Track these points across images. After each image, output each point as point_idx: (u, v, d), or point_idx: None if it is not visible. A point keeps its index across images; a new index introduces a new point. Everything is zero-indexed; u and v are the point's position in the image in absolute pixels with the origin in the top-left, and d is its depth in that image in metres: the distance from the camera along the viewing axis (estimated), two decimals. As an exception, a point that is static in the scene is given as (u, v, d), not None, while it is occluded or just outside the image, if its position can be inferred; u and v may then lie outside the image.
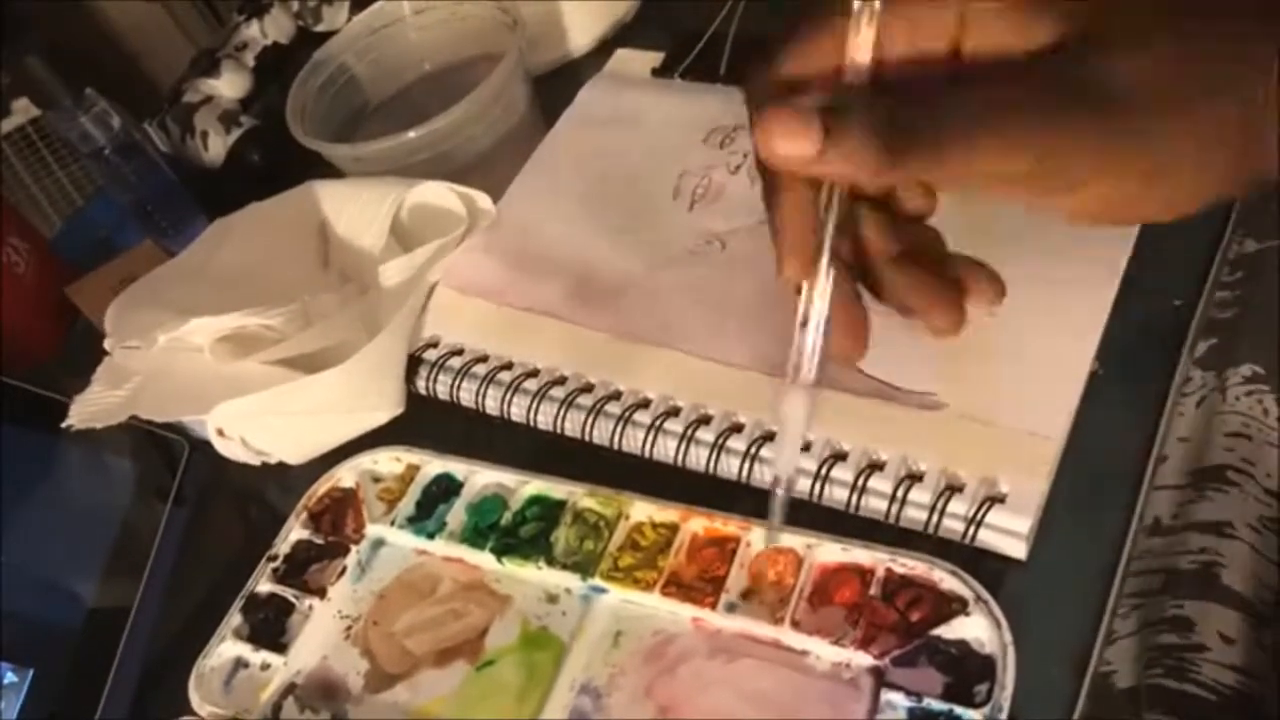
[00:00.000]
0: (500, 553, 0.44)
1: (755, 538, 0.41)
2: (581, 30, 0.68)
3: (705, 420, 0.44)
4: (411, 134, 0.57)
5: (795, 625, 0.38)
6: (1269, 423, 0.39)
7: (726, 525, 0.41)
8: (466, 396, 0.50)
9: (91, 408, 0.50)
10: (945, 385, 0.42)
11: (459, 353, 0.51)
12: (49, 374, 0.57)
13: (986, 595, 0.36)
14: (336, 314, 0.52)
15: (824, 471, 0.41)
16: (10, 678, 0.45)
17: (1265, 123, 0.27)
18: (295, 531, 0.47)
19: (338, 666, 0.43)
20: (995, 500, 0.38)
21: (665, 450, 0.45)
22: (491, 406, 0.49)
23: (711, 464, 0.44)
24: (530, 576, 0.43)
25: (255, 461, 0.52)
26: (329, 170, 0.62)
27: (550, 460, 0.46)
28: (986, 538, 0.39)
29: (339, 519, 0.48)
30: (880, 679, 0.36)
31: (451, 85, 0.62)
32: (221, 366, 0.50)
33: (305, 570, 0.46)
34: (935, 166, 0.29)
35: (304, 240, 0.58)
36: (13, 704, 0.44)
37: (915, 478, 0.40)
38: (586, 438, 0.47)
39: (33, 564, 0.48)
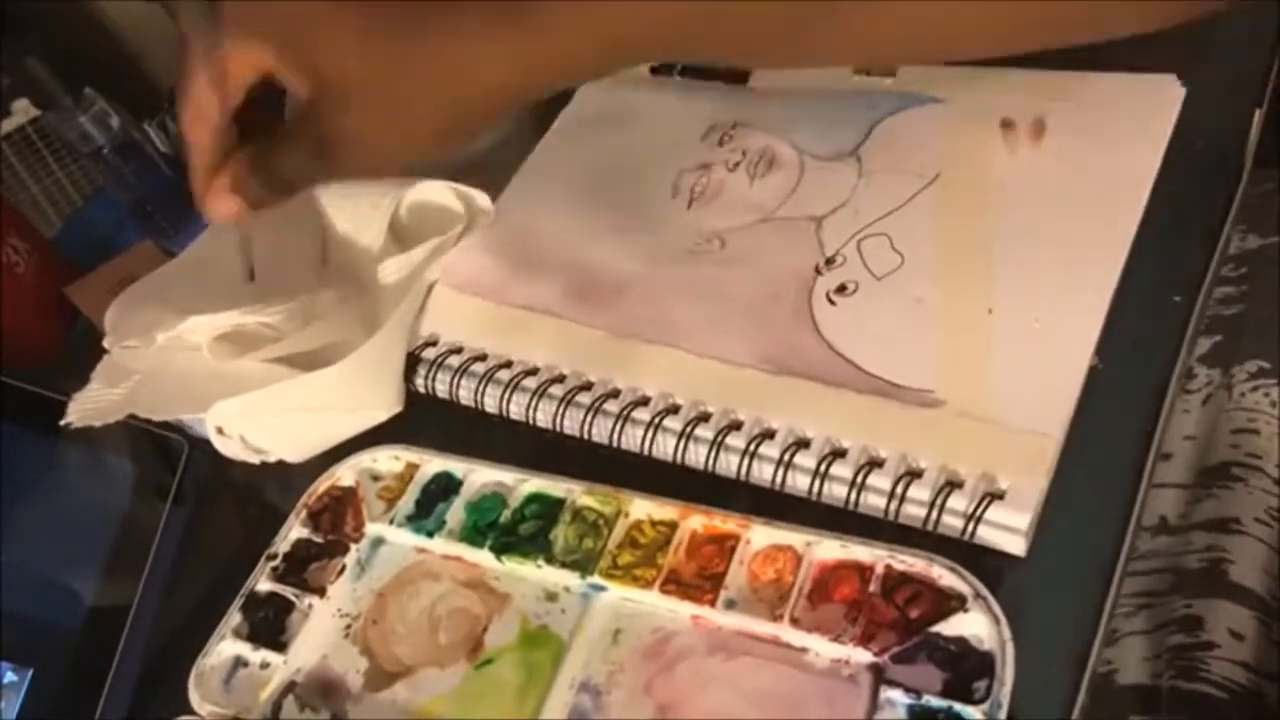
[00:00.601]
0: (499, 551, 0.44)
1: (755, 535, 0.41)
2: (580, 28, 0.67)
3: (704, 418, 0.44)
4: (410, 132, 0.56)
5: (794, 622, 0.38)
6: (1276, 414, 0.39)
7: (725, 522, 0.41)
8: (465, 395, 0.50)
9: (90, 406, 0.50)
10: (944, 382, 0.42)
11: (458, 351, 0.51)
12: (49, 374, 0.57)
13: (986, 592, 0.36)
14: (335, 312, 0.52)
15: (823, 468, 0.41)
16: (10, 677, 0.45)
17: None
18: (295, 530, 0.47)
19: (337, 665, 0.43)
20: (994, 497, 0.38)
21: (664, 448, 0.45)
22: (490, 405, 0.49)
23: (710, 461, 0.44)
24: (529, 574, 0.43)
25: (255, 460, 0.52)
26: (328, 169, 0.62)
27: (549, 458, 0.46)
28: (986, 534, 0.38)
29: (338, 517, 0.48)
30: (879, 676, 0.36)
31: (450, 84, 0.62)
32: (220, 365, 0.50)
33: (305, 569, 0.46)
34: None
35: (302, 239, 0.57)
36: (13, 703, 0.44)
37: (914, 474, 0.40)
38: (585, 435, 0.47)
39: (32, 563, 0.48)
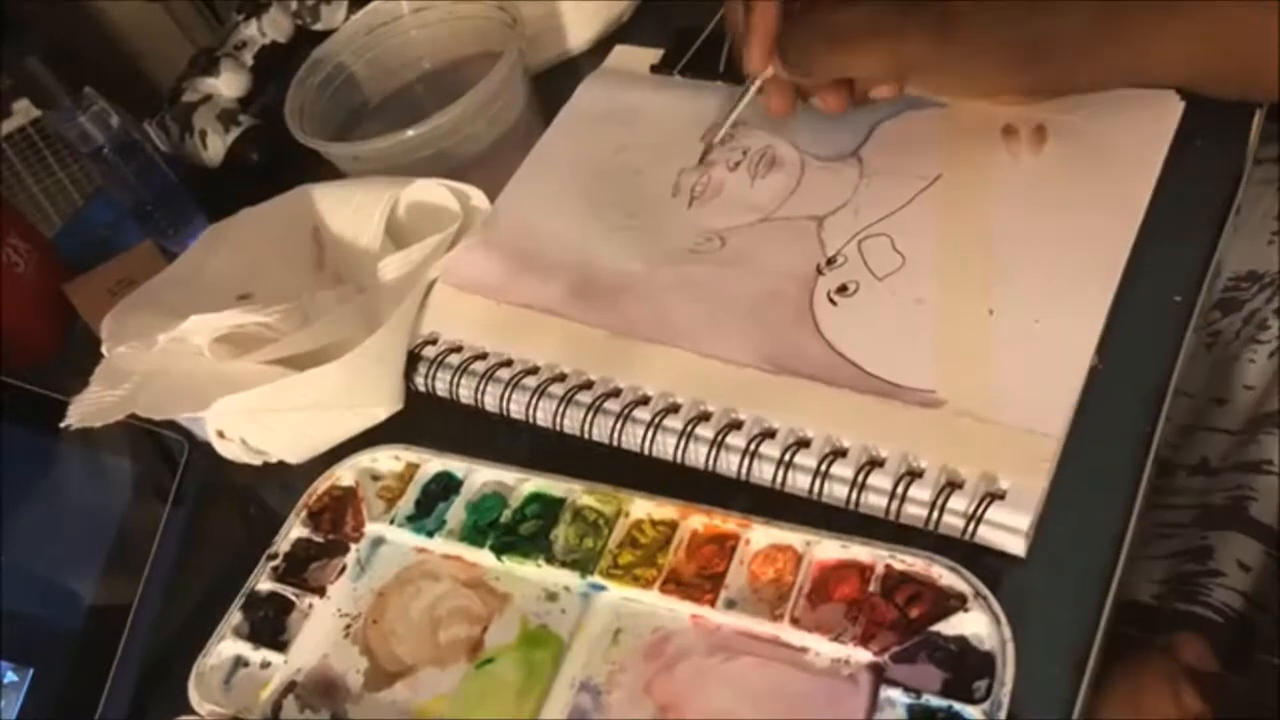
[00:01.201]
0: (500, 550, 0.44)
1: (755, 535, 0.41)
2: (580, 28, 0.68)
3: (704, 417, 0.44)
4: (410, 132, 0.57)
5: (794, 622, 0.38)
6: None
7: (725, 522, 0.41)
8: (465, 394, 0.50)
9: (89, 407, 0.50)
10: (945, 382, 0.42)
11: (457, 350, 0.51)
12: (49, 374, 0.57)
13: (986, 591, 0.36)
14: (334, 312, 0.52)
15: (823, 468, 0.41)
16: (10, 677, 0.45)
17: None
18: (295, 530, 0.47)
19: (338, 665, 0.43)
20: (995, 497, 0.38)
21: (664, 447, 0.45)
22: (490, 404, 0.49)
23: (710, 461, 0.44)
24: (530, 574, 0.43)
25: (255, 461, 0.52)
26: (328, 169, 0.62)
27: (549, 458, 0.46)
28: (986, 534, 0.38)
29: (339, 517, 0.48)
30: (880, 675, 0.36)
31: (450, 83, 0.62)
32: (220, 366, 0.50)
33: (305, 569, 0.46)
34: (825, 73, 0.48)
35: (298, 243, 0.58)
36: (13, 703, 0.44)
37: (915, 474, 0.40)
38: (586, 435, 0.47)
39: (33, 563, 0.48)
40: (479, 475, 0.46)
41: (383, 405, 0.51)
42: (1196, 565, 0.39)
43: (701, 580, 0.40)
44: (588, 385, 0.47)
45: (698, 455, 0.44)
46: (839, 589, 0.39)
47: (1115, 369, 0.41)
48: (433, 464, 0.47)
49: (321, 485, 0.48)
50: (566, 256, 0.53)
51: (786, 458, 0.42)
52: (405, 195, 0.55)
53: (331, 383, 0.49)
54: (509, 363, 0.50)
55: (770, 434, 0.43)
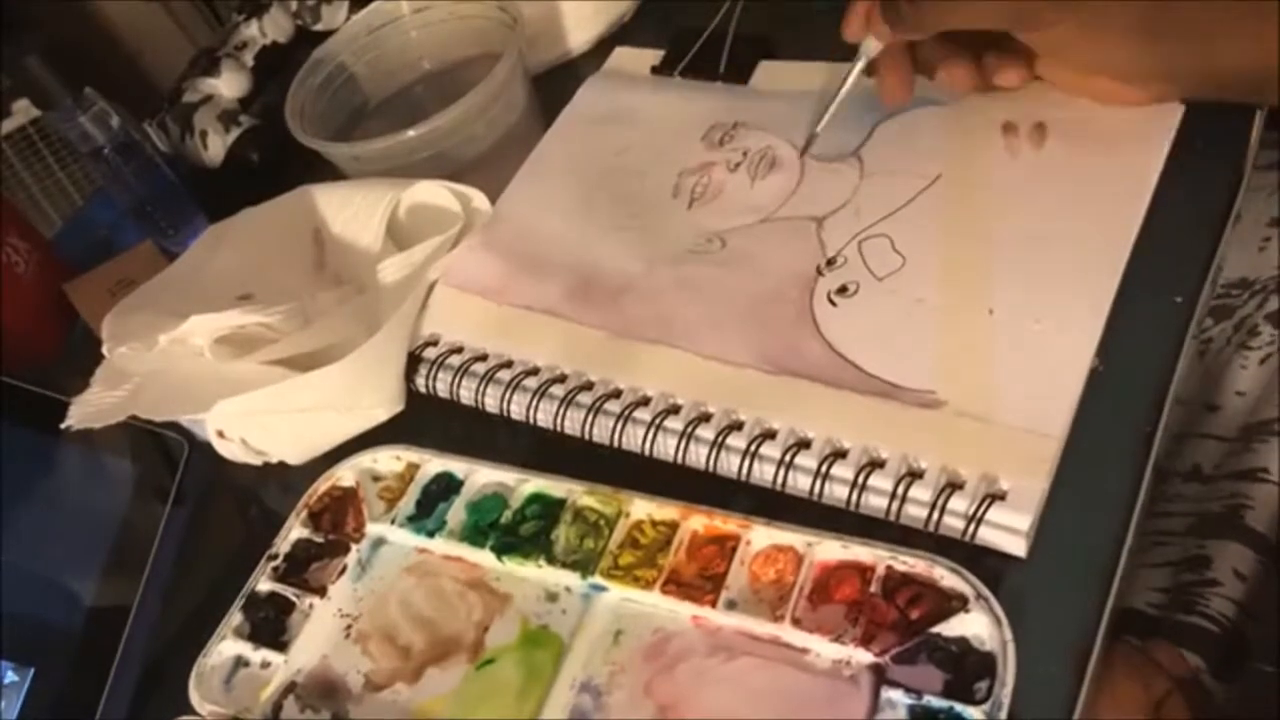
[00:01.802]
0: (500, 551, 0.44)
1: (756, 536, 0.41)
2: (581, 29, 0.68)
3: (705, 418, 0.44)
4: (411, 133, 0.57)
5: (795, 623, 0.38)
6: None
7: (726, 523, 0.41)
8: (466, 395, 0.50)
9: (90, 408, 0.50)
10: (945, 383, 0.42)
11: (458, 351, 0.51)
12: (49, 374, 0.57)
13: (987, 592, 0.36)
14: (335, 313, 0.52)
15: (824, 469, 0.41)
16: (11, 677, 0.45)
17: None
18: (295, 530, 0.47)
19: (338, 665, 0.43)
20: (995, 498, 0.38)
21: (665, 448, 0.45)
22: (491, 405, 0.49)
23: (711, 462, 0.44)
24: (530, 575, 0.43)
25: (256, 462, 0.52)
26: (328, 169, 0.62)
27: (550, 458, 0.46)
28: (987, 535, 0.38)
29: (339, 518, 0.48)
30: (880, 676, 0.36)
31: (451, 84, 0.62)
32: (220, 367, 0.50)
33: (305, 569, 0.46)
34: (937, 28, 0.44)
35: (299, 244, 0.58)
36: (13, 703, 0.44)
37: (915, 475, 0.40)
38: (586, 436, 0.47)
39: (33, 564, 0.48)
40: (480, 476, 0.46)
41: (383, 406, 0.51)
42: (1194, 575, 0.39)
43: (702, 581, 0.40)
44: (588, 386, 0.47)
45: (698, 456, 0.44)
46: (840, 590, 0.39)
47: (1115, 370, 0.41)
48: (433, 464, 0.47)
49: (322, 485, 0.48)
50: (567, 258, 0.53)
51: (787, 459, 0.42)
52: (407, 197, 0.55)
53: (332, 384, 0.49)
54: (509, 364, 0.50)
55: (771, 435, 0.43)
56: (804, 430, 0.43)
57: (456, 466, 0.47)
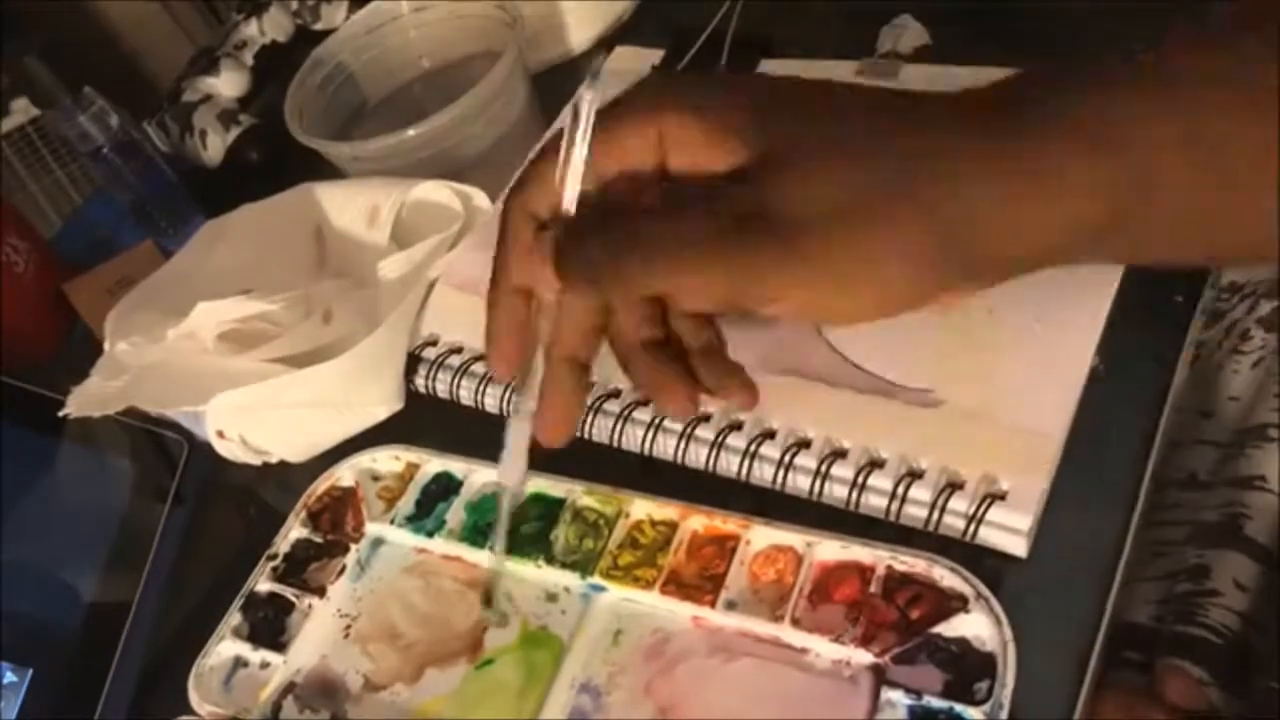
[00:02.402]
0: (500, 551, 0.43)
1: (755, 536, 0.41)
2: (581, 28, 0.68)
3: (704, 418, 0.44)
4: (410, 132, 0.57)
5: (795, 623, 0.38)
6: None
7: (726, 523, 0.41)
8: (466, 395, 0.50)
9: (89, 397, 0.50)
10: (945, 382, 0.42)
11: (458, 351, 0.51)
12: (49, 374, 0.57)
13: (987, 592, 0.36)
14: (337, 309, 0.52)
15: (824, 469, 0.41)
16: (10, 677, 0.45)
17: (965, 226, 0.29)
18: (295, 530, 0.47)
19: (337, 665, 0.43)
20: (996, 498, 0.38)
21: (665, 448, 0.45)
22: (491, 405, 0.49)
23: (711, 462, 0.44)
24: (530, 575, 0.43)
25: (255, 461, 0.52)
26: (328, 168, 0.62)
27: (549, 458, 0.46)
28: (987, 535, 0.38)
29: (338, 518, 0.47)
30: (880, 677, 0.36)
31: (450, 83, 0.62)
32: (221, 361, 0.50)
33: (305, 569, 0.46)
34: (631, 290, 0.32)
35: (300, 242, 0.58)
36: (12, 703, 0.44)
37: (915, 475, 0.40)
38: (586, 436, 0.47)
39: (32, 563, 0.48)
40: (479, 476, 0.46)
41: (383, 404, 0.51)
42: (1193, 585, 0.38)
43: (702, 581, 0.40)
44: (588, 385, 0.47)
45: (698, 456, 0.44)
46: (840, 590, 0.38)
47: (1116, 369, 0.41)
48: (433, 464, 0.47)
49: (321, 485, 0.48)
50: (567, 256, 0.53)
51: (787, 459, 0.42)
52: (409, 195, 0.55)
53: (332, 380, 0.49)
54: (509, 363, 0.50)
55: (770, 435, 0.43)
56: (803, 430, 0.42)
57: (456, 466, 0.47)
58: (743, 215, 0.29)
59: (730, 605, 0.39)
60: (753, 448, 0.43)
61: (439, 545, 0.45)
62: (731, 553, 0.41)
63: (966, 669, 0.36)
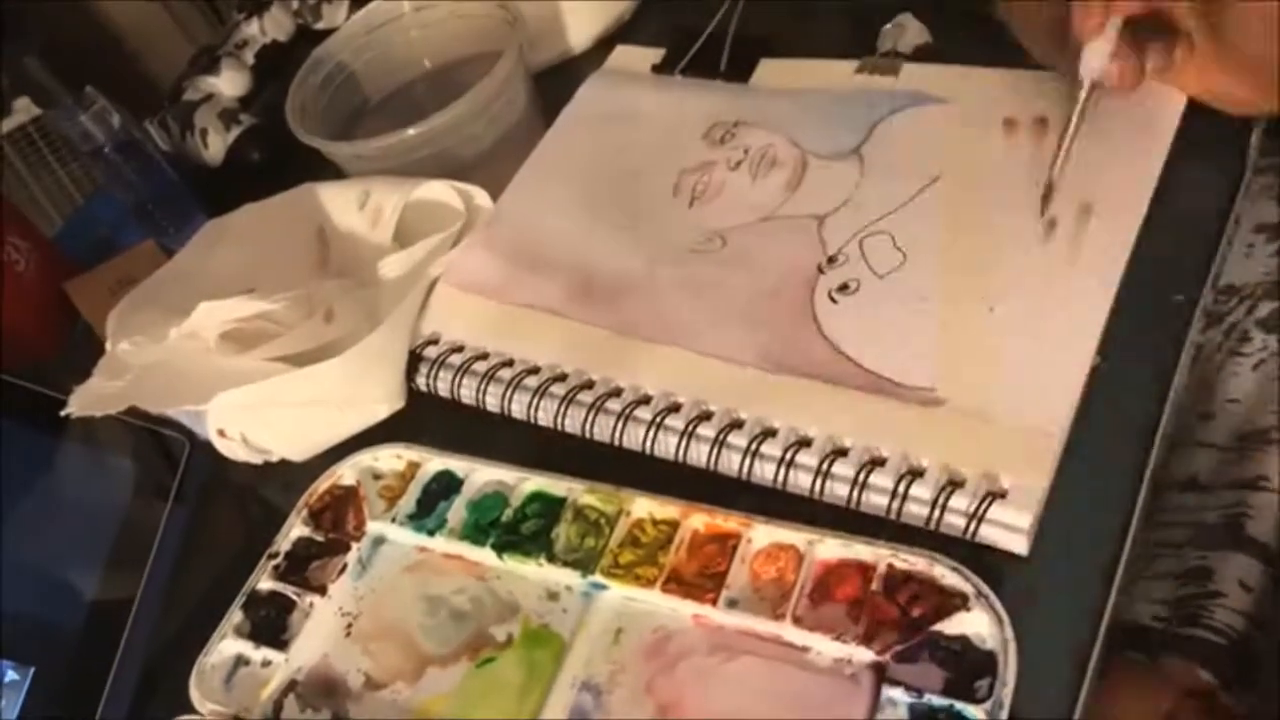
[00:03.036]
0: (501, 549, 0.43)
1: (757, 534, 0.41)
2: (581, 27, 0.68)
3: (706, 416, 0.44)
4: (411, 131, 0.57)
5: (796, 621, 0.38)
6: None
7: (727, 521, 0.41)
8: (467, 394, 0.50)
9: (91, 396, 0.50)
10: (946, 380, 0.42)
11: (459, 350, 0.51)
12: (50, 373, 0.57)
13: (988, 590, 0.36)
14: (338, 308, 0.52)
15: (825, 467, 0.41)
16: (11, 676, 0.45)
17: None
18: (296, 529, 0.47)
19: (338, 664, 0.43)
20: (996, 496, 0.38)
21: (666, 447, 0.45)
22: (492, 404, 0.49)
23: (712, 460, 0.44)
24: (531, 573, 0.43)
25: (257, 460, 0.52)
26: (328, 168, 0.62)
27: (551, 457, 0.46)
28: (988, 533, 0.38)
29: (340, 516, 0.47)
30: (881, 675, 0.36)
31: (451, 83, 0.62)
32: (223, 361, 0.50)
33: (306, 568, 0.46)
34: None
35: (302, 242, 0.58)
36: (14, 702, 0.44)
37: (916, 473, 0.40)
38: (587, 434, 0.47)
39: (33, 562, 0.48)
40: (480, 474, 0.46)
41: (384, 402, 0.51)
42: (1197, 587, 0.38)
43: (703, 579, 0.40)
44: (589, 385, 0.47)
45: (699, 455, 0.44)
46: (841, 588, 0.39)
47: (1116, 367, 0.41)
48: (434, 463, 0.47)
49: (323, 484, 0.48)
50: (568, 256, 0.53)
51: (788, 457, 0.42)
52: (412, 195, 0.55)
53: (333, 378, 0.49)
54: (510, 363, 0.50)
55: (771, 433, 0.43)
56: (805, 428, 0.42)
57: (457, 465, 0.47)
58: None
59: (731, 603, 0.39)
60: (754, 446, 0.43)
61: (440, 544, 0.45)
62: (733, 551, 0.41)
63: (967, 667, 0.36)
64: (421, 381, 0.51)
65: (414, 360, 0.52)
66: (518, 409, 0.49)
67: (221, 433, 0.50)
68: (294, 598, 0.45)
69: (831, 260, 0.48)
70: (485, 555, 0.44)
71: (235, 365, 0.50)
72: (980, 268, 0.45)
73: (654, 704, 0.38)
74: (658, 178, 0.56)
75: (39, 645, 0.46)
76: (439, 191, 0.56)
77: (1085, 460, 0.40)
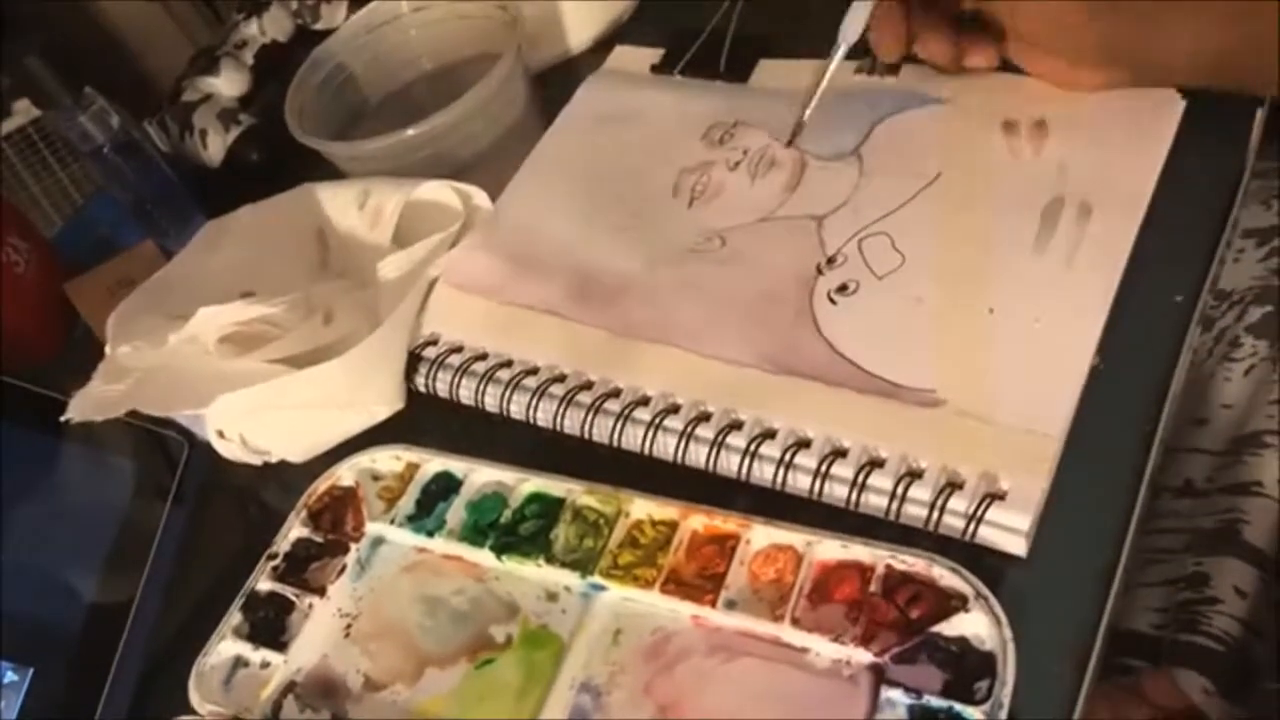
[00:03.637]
0: (500, 550, 0.43)
1: (755, 535, 0.41)
2: (581, 28, 0.68)
3: (705, 417, 0.44)
4: (410, 132, 0.57)
5: (795, 622, 0.38)
6: None
7: (726, 522, 0.41)
8: (466, 394, 0.50)
9: (91, 401, 0.50)
10: (945, 382, 0.42)
11: (458, 350, 0.51)
12: (49, 373, 0.57)
13: (987, 592, 0.36)
14: (337, 310, 0.52)
15: (824, 468, 0.41)
16: (10, 676, 0.45)
17: None
18: (295, 530, 0.47)
19: (338, 665, 0.43)
20: (995, 497, 0.38)
21: (665, 447, 0.45)
22: (491, 404, 0.49)
23: (711, 461, 0.44)
24: (530, 574, 0.43)
25: (256, 461, 0.52)
26: (328, 168, 0.62)
27: (549, 458, 0.46)
28: (987, 534, 0.38)
29: (339, 517, 0.47)
30: (880, 676, 0.36)
31: (450, 83, 0.62)
32: (222, 363, 0.50)
33: (305, 568, 0.46)
34: None
35: (302, 243, 0.58)
36: (13, 703, 0.44)
37: (915, 474, 0.40)
38: (586, 435, 0.47)
39: (33, 563, 0.48)
40: (479, 475, 0.46)
41: (384, 404, 0.51)
42: (1194, 593, 0.38)
43: (702, 580, 0.40)
44: (588, 386, 0.47)
45: (698, 455, 0.44)
46: (840, 589, 0.38)
47: (1116, 368, 0.41)
48: (433, 464, 0.47)
49: (322, 485, 0.48)
50: (567, 257, 0.53)
51: (787, 458, 0.42)
52: (411, 195, 0.55)
53: (332, 380, 0.49)
54: (509, 363, 0.50)
55: (770, 434, 0.43)
56: (804, 429, 0.42)
57: (456, 466, 0.47)
58: None
59: (730, 605, 0.39)
60: (753, 447, 0.43)
61: (439, 545, 0.45)
62: (731, 552, 0.41)
63: (966, 668, 0.36)
64: (420, 382, 0.51)
65: (413, 361, 0.52)
66: (517, 410, 0.49)
67: (220, 434, 0.50)
68: (293, 599, 0.45)
69: (830, 261, 0.48)
70: (484, 556, 0.44)
71: (235, 368, 0.50)
72: (979, 269, 0.45)
73: (653, 705, 0.38)
74: (657, 178, 0.56)
75: (38, 646, 0.46)
76: (438, 192, 0.56)
77: (1084, 461, 0.40)
